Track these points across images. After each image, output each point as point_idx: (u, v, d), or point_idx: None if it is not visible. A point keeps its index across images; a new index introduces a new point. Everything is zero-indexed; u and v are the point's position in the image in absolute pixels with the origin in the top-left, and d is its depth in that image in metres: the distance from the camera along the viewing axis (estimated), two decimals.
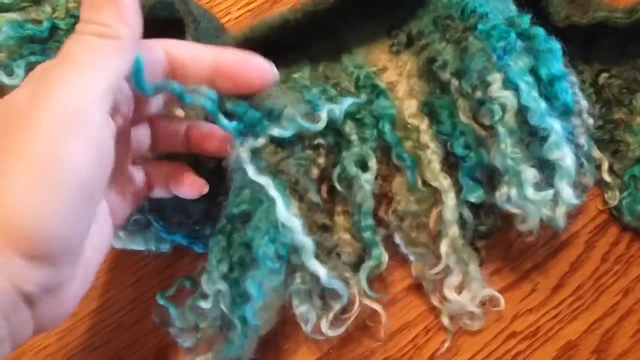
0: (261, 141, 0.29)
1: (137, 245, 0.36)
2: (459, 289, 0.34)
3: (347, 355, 0.34)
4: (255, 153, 0.29)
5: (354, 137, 0.35)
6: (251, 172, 0.29)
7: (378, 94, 0.37)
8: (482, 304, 0.34)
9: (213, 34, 0.38)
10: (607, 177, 0.36)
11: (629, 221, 0.36)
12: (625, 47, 0.38)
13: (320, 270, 0.30)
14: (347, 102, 0.34)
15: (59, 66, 0.22)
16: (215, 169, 0.33)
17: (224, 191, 0.35)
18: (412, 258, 0.35)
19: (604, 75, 0.38)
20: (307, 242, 0.29)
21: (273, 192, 0.29)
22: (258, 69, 0.28)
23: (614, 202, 0.36)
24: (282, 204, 0.29)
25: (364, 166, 0.35)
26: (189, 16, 0.37)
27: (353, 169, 0.34)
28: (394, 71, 0.39)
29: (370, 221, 0.34)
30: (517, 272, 0.36)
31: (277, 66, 0.32)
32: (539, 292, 0.35)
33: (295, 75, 0.38)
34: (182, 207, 0.36)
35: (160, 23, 0.39)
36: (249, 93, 0.29)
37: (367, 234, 0.34)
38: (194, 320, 0.32)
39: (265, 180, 0.29)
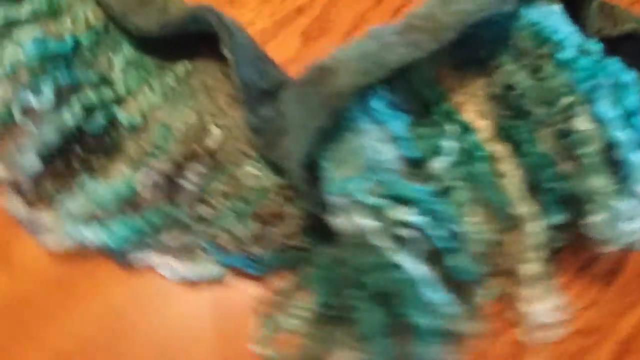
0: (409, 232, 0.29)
1: (189, 273, 0.35)
2: (535, 302, 0.34)
3: None
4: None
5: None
6: (409, 264, 0.29)
7: (465, 129, 0.36)
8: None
9: (252, 52, 0.36)
10: None
11: None
12: None
13: None
14: (452, 151, 0.35)
15: None
16: None
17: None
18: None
19: None
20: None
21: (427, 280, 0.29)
22: None
23: None
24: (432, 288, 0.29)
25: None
26: (223, 29, 0.35)
27: None
28: (460, 90, 0.37)
29: None
30: (568, 271, 0.37)
31: None
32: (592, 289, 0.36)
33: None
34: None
35: (191, 38, 0.37)
36: None
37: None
38: None
39: (422, 270, 0.29)
